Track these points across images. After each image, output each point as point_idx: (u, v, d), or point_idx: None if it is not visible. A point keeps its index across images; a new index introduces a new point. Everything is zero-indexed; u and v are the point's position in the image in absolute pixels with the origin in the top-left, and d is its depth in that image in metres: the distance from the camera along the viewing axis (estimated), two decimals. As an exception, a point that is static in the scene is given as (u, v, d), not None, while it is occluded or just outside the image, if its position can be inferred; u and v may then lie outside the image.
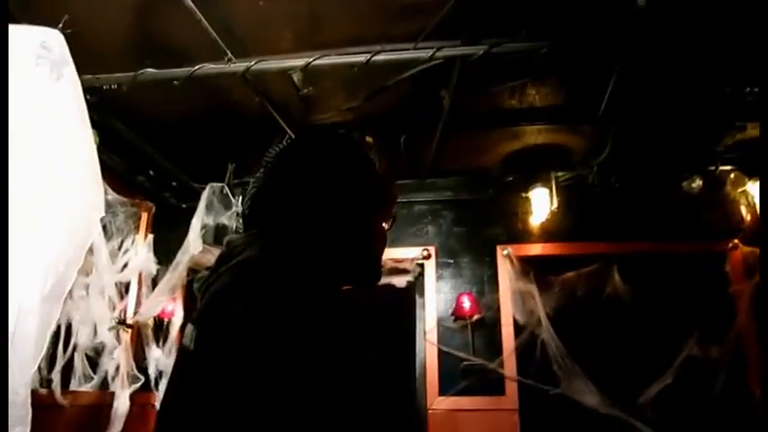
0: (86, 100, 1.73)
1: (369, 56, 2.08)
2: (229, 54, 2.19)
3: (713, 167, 3.29)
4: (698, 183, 3.27)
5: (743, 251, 3.21)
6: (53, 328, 1.60)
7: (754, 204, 3.24)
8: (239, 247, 0.83)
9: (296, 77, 2.32)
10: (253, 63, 2.18)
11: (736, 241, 3.25)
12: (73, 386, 2.88)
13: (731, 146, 3.19)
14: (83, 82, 1.73)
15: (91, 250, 2.81)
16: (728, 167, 3.30)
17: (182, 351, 0.77)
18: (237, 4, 2.01)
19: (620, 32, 2.11)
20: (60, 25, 1.82)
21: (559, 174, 3.39)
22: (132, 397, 3.01)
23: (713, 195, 3.33)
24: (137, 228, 3.45)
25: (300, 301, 0.74)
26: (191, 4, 1.87)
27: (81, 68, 1.69)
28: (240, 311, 0.73)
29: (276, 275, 0.77)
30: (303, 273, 0.81)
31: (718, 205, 3.35)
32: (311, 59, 2.12)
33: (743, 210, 3.30)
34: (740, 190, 3.29)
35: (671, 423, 2.84)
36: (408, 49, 2.11)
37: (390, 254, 3.42)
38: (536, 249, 3.41)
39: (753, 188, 3.23)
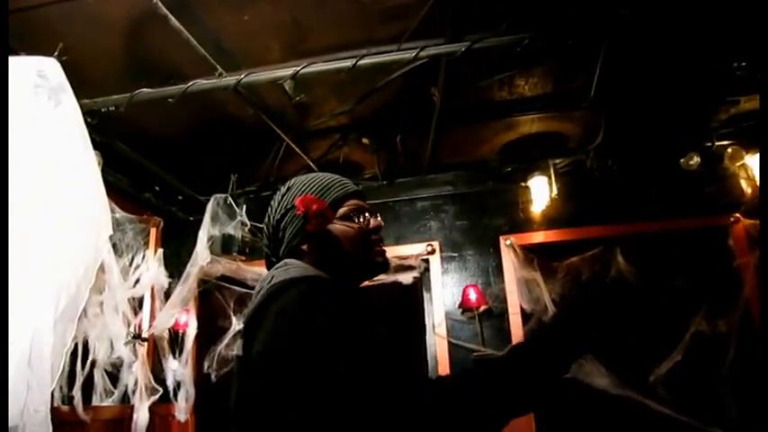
0: (87, 123, 1.79)
1: (354, 60, 2.12)
2: (220, 69, 2.25)
3: (709, 143, 3.30)
4: (695, 160, 3.27)
5: (745, 224, 3.21)
6: (69, 346, 1.66)
7: (754, 177, 3.23)
8: (265, 281, 1.01)
9: (287, 86, 2.36)
10: (243, 76, 2.23)
11: (737, 215, 3.24)
12: (94, 402, 2.94)
13: (726, 120, 3.21)
14: (82, 106, 1.80)
15: (103, 269, 2.89)
16: (725, 142, 3.30)
17: (236, 357, 0.96)
18: (223, 19, 2.06)
19: (601, 17, 2.13)
20: (56, 53, 1.89)
21: (557, 161, 3.41)
22: (152, 408, 3.07)
23: (712, 171, 3.32)
24: (146, 243, 3.50)
25: (309, 321, 0.85)
26: (177, 24, 1.93)
27: (79, 93, 1.75)
28: (264, 333, 0.87)
29: (290, 298, 0.91)
30: (311, 293, 0.93)
31: (717, 180, 3.35)
32: (299, 68, 2.17)
33: (743, 183, 3.29)
34: (738, 164, 3.27)
35: (683, 399, 2.85)
36: (393, 51, 2.15)
37: (395, 251, 3.47)
38: (539, 237, 3.43)
39: (751, 161, 3.22)
